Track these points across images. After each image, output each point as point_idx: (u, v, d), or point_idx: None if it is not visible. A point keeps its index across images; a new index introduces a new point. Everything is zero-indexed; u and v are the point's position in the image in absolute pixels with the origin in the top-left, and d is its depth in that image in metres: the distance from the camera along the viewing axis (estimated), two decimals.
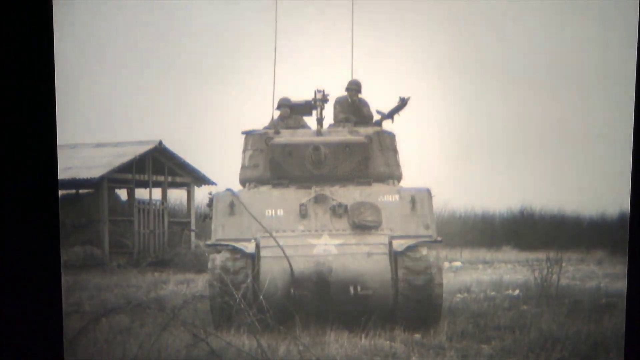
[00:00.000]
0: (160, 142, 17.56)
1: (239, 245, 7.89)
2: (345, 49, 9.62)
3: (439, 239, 8.31)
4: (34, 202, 4.13)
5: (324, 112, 9.41)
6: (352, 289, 7.81)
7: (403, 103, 9.24)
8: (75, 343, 5.71)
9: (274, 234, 8.01)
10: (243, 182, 8.88)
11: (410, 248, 7.98)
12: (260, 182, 8.71)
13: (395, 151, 9.15)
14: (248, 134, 9.00)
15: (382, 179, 8.77)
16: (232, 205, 8.18)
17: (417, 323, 7.76)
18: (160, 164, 17.95)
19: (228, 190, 8.36)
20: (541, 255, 11.41)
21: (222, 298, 7.58)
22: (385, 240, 8.06)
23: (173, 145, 17.77)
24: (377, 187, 8.54)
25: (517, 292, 10.51)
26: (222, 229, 8.12)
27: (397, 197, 8.37)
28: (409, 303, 7.80)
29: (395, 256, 7.95)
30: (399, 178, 9.08)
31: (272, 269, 7.81)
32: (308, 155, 8.44)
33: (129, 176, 17.48)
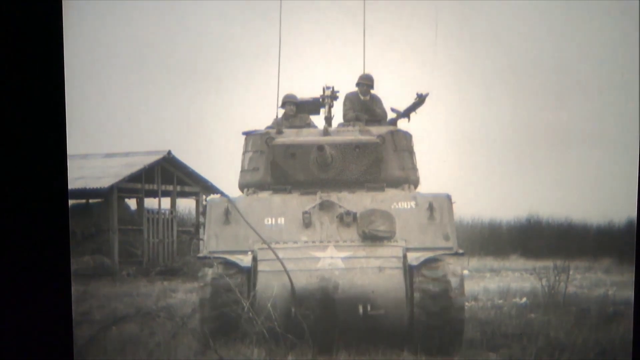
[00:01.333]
0: (169, 152, 17.44)
1: (234, 258, 6.91)
2: (356, 40, 8.64)
3: (461, 251, 7.25)
4: (45, 211, 4.10)
5: (333, 111, 8.45)
6: (361, 308, 6.78)
7: (421, 100, 8.22)
8: (85, 352, 5.58)
9: (274, 245, 7.01)
10: (242, 187, 7.91)
11: (427, 262, 6.94)
12: (260, 187, 7.73)
13: (411, 153, 8.13)
14: (248, 134, 8.03)
15: (396, 183, 7.74)
16: (227, 213, 7.20)
17: (435, 348, 6.70)
18: (169, 174, 17.93)
19: (223, 196, 7.39)
20: (548, 263, 11.28)
21: (213, 322, 6.62)
22: (399, 252, 7.03)
23: (182, 155, 17.71)
24: (390, 193, 7.52)
25: (524, 300, 10.30)
26: (215, 240, 7.14)
27: (413, 204, 7.33)
28: (426, 323, 6.76)
29: (410, 271, 6.92)
30: (415, 183, 8.04)
31: (270, 285, 6.81)
32: (313, 157, 7.45)
33: (139, 186, 17.38)
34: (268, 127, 8.11)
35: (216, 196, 7.56)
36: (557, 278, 9.87)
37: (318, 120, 8.40)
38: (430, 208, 7.26)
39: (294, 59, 8.73)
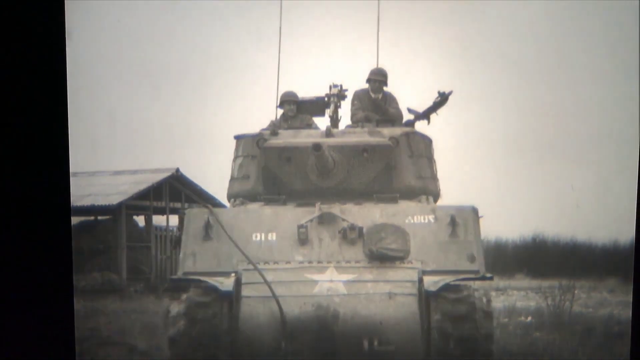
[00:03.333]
0: (177, 170, 17.21)
1: (213, 281, 5.61)
2: (369, 32, 7.37)
3: (489, 275, 5.88)
4: (48, 229, 4.01)
5: (340, 112, 7.17)
6: (366, 343, 5.45)
7: (443, 99, 6.91)
8: None
9: (262, 265, 5.71)
10: (230, 198, 6.64)
11: (448, 287, 5.58)
12: (251, 197, 6.44)
13: (430, 160, 6.80)
14: (240, 138, 6.78)
15: (411, 194, 6.40)
16: (207, 227, 5.91)
17: None
18: (177, 191, 17.81)
19: (205, 206, 6.11)
20: (554, 282, 11.36)
21: None
22: (414, 276, 5.68)
23: (190, 172, 17.42)
24: (404, 205, 6.17)
25: (529, 319, 10.19)
26: (192, 259, 5.85)
27: (431, 218, 5.98)
28: None
29: (427, 298, 5.57)
30: (435, 195, 6.69)
31: (256, 314, 5.51)
32: (311, 161, 6.15)
33: (147, 203, 17.23)
34: (263, 130, 6.82)
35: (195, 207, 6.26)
36: (562, 297, 9.77)
37: (322, 122, 7.11)
38: (453, 223, 5.90)
39: (295, 54, 7.50)
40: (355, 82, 7.23)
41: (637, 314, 4.42)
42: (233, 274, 5.71)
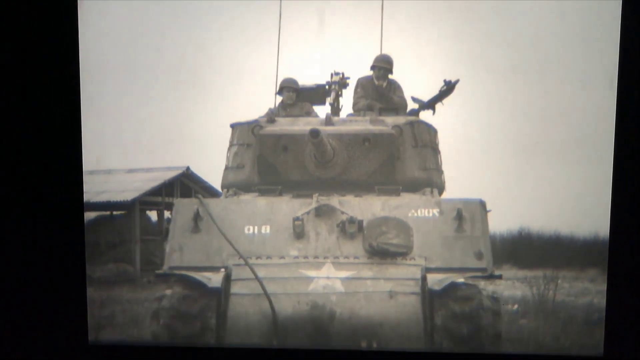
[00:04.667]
0: (188, 168, 17.49)
1: (200, 276, 5.16)
2: (373, 17, 6.87)
3: (497, 273, 5.38)
4: (62, 223, 4.06)
5: (342, 101, 6.70)
6: (364, 345, 4.97)
7: (449, 88, 6.42)
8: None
9: (253, 260, 5.25)
10: (224, 188, 6.19)
11: (453, 286, 5.09)
12: (245, 188, 6.00)
13: (435, 150, 6.30)
14: (235, 125, 6.33)
15: (415, 187, 5.92)
16: (197, 219, 5.47)
17: None
18: (188, 188, 17.55)
19: (195, 197, 5.66)
20: (538, 272, 11.69)
21: None
22: (417, 273, 5.21)
23: (200, 170, 17.29)
24: (407, 198, 5.69)
25: (516, 307, 10.14)
26: (179, 252, 5.41)
27: (436, 211, 5.49)
28: None
29: (431, 297, 5.08)
30: (439, 188, 6.19)
31: (245, 312, 5.05)
32: (309, 150, 5.69)
33: (159, 199, 16.98)
34: (261, 117, 6.37)
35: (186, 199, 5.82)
36: (546, 287, 10.10)
37: (323, 111, 6.65)
38: (459, 217, 5.41)
39: (295, 41, 7.03)
40: (358, 70, 6.76)
41: (610, 301, 4.63)
42: (222, 270, 5.27)
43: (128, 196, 16.38)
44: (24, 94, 4.03)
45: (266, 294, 5.02)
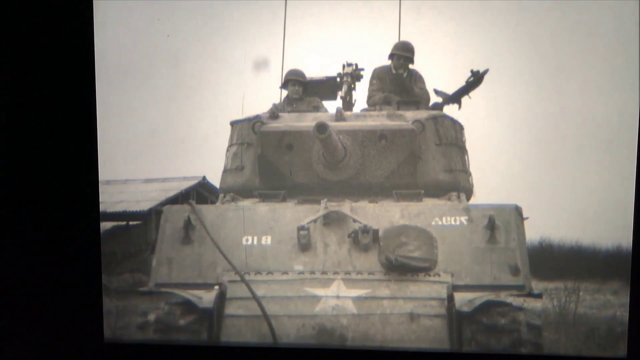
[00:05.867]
0: (204, 178, 16.93)
1: (189, 295, 4.40)
2: (390, 3, 6.10)
3: (537, 292, 4.56)
4: (79, 233, 4.04)
5: (355, 95, 5.94)
6: None
7: (477, 79, 5.64)
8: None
9: (252, 276, 4.49)
10: (222, 193, 5.43)
11: (485, 306, 4.29)
12: (245, 193, 5.23)
13: (462, 149, 5.51)
14: (235, 123, 5.59)
15: (439, 191, 5.13)
16: (188, 228, 4.71)
17: None
18: (204, 198, 17.09)
19: (188, 203, 4.92)
20: (559, 284, 11.09)
21: None
22: (443, 291, 4.42)
23: (216, 180, 16.93)
24: (430, 204, 4.89)
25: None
26: (167, 267, 4.66)
27: (464, 219, 4.69)
28: None
29: (459, 320, 4.28)
30: (467, 191, 5.40)
31: (242, 336, 4.28)
32: (317, 149, 4.92)
33: None
34: (263, 114, 5.60)
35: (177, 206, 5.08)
36: (567, 299, 9.76)
37: (334, 107, 5.86)
38: (491, 226, 4.60)
39: (303, 29, 6.28)
40: (373, 61, 6.00)
41: (634, 313, 4.34)
42: (216, 287, 4.50)
43: (144, 206, 16.65)
44: (39, 104, 3.97)
45: (265, 316, 4.25)
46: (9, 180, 4.14)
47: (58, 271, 4.23)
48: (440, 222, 4.67)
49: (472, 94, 5.77)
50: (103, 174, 4.22)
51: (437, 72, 6.14)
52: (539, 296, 4.50)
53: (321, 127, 4.47)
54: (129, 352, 4.41)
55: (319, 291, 4.44)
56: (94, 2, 3.92)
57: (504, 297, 4.40)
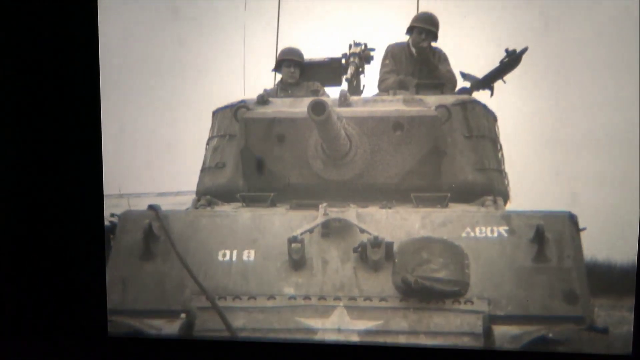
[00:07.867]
0: None
1: (147, 326, 3.36)
2: None
3: (603, 327, 3.48)
4: (83, 241, 3.75)
5: (364, 79, 4.92)
6: None
7: (513, 59, 4.60)
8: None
9: (228, 302, 3.44)
10: (200, 196, 4.39)
11: (535, 343, 3.21)
12: (225, 196, 4.18)
13: (496, 143, 4.45)
14: (217, 112, 4.57)
15: (470, 193, 4.05)
16: (149, 239, 3.66)
17: None
18: None
19: (150, 207, 3.87)
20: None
21: None
22: (478, 324, 3.34)
23: None
24: (459, 210, 3.82)
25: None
26: (121, 289, 3.61)
27: (503, 229, 3.61)
28: None
29: None
30: (503, 195, 4.33)
31: None
32: (314, 141, 3.88)
33: None
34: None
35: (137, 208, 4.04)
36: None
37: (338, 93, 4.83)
38: (539, 239, 3.52)
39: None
40: (386, 40, 4.98)
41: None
42: (182, 315, 3.45)
43: None
44: (41, 104, 3.78)
45: None
46: (8, 180, 3.88)
47: (61, 271, 3.92)
48: (472, 234, 3.60)
49: (507, 77, 4.73)
50: (111, 189, 4.08)
51: (463, 54, 5.10)
52: (605, 331, 3.41)
53: (318, 106, 3.42)
54: (131, 347, 3.80)
55: (315, 322, 3.38)
56: (98, 2, 3.60)
57: (559, 332, 3.32)
